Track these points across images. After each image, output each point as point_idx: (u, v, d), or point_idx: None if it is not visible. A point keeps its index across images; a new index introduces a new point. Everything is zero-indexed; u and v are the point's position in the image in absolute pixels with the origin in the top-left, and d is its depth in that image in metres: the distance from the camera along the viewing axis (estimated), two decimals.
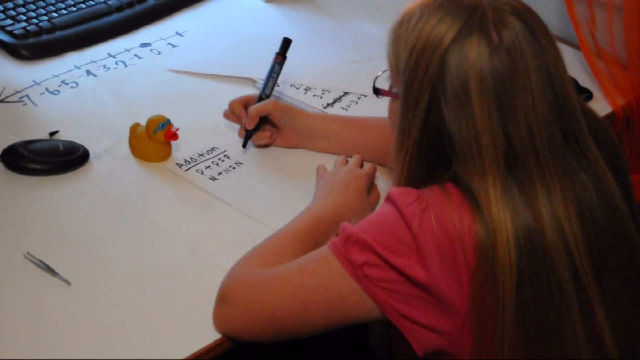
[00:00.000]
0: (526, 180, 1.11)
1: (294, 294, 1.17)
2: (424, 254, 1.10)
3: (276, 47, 1.67)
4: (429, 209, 1.11)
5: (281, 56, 1.66)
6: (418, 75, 1.12)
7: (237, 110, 1.59)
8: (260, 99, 1.61)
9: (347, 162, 1.49)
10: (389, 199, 1.15)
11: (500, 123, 1.10)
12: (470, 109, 1.10)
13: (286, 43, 1.66)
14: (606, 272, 1.14)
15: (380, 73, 1.28)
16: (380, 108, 1.42)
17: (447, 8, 1.12)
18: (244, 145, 1.59)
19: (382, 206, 1.17)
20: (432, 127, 1.13)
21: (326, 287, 1.16)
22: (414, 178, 1.17)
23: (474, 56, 1.10)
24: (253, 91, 1.76)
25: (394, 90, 1.22)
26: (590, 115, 1.23)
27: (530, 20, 1.13)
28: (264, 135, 1.58)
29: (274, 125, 1.59)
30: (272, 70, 1.64)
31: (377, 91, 1.30)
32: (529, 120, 1.10)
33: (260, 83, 1.77)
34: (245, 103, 1.59)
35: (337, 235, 1.19)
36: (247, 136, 1.59)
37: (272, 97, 1.63)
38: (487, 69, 1.09)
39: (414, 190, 1.14)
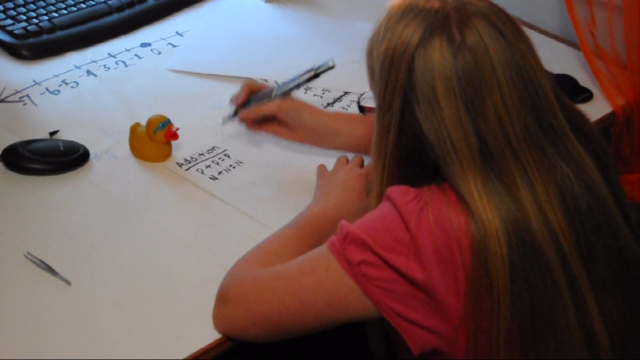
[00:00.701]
0: (505, 173, 1.11)
1: (293, 294, 1.17)
2: (421, 253, 1.10)
3: (276, 47, 1.65)
4: (427, 208, 1.11)
5: (315, 74, 1.54)
6: (389, 84, 1.13)
7: (241, 90, 1.55)
8: (268, 96, 1.54)
9: (347, 161, 1.49)
10: (387, 197, 1.15)
11: (470, 121, 1.10)
12: (439, 111, 1.11)
13: (328, 68, 1.53)
14: (594, 260, 1.14)
15: (365, 91, 1.28)
16: None
17: (411, 14, 1.13)
18: (223, 122, 1.57)
19: (380, 205, 1.17)
20: (408, 132, 1.14)
21: (324, 287, 1.16)
22: (395, 184, 1.16)
23: (437, 58, 1.10)
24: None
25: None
26: (570, 108, 1.22)
27: (495, 17, 1.13)
28: (270, 125, 1.53)
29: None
30: (297, 78, 1.53)
31: (361, 109, 1.29)
32: (500, 115, 1.11)
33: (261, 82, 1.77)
34: (255, 89, 1.56)
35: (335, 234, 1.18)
36: (233, 114, 1.56)
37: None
38: (451, 70, 1.10)
39: (413, 189, 1.14)
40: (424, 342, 1.14)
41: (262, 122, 1.54)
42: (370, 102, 1.27)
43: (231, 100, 1.57)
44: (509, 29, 1.13)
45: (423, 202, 1.12)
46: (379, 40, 1.15)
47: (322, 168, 1.49)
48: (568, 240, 1.12)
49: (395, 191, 1.14)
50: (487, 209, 1.10)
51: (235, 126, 1.61)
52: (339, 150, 1.53)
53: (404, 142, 1.15)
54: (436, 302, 1.11)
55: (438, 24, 1.11)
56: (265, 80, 1.77)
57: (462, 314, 1.11)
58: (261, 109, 1.52)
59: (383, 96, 1.15)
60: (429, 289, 1.11)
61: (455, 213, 1.10)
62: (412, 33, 1.12)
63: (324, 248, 1.18)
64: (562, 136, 1.15)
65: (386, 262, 1.12)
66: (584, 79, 1.81)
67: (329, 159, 1.54)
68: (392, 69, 1.13)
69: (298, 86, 1.53)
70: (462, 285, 1.10)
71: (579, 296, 1.13)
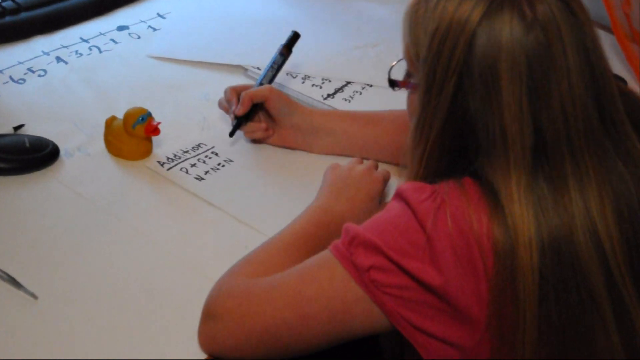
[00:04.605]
0: (557, 175, 1.10)
1: (291, 305, 1.16)
2: (438, 256, 1.09)
3: (270, 31, 1.69)
4: (444, 207, 1.10)
5: (287, 49, 1.65)
6: (442, 61, 1.11)
7: (228, 96, 1.58)
8: None
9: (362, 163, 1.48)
10: (399, 195, 1.14)
11: (530, 110, 1.09)
12: (498, 95, 1.09)
13: (294, 38, 1.65)
14: None
15: (394, 63, 1.28)
16: (389, 100, 1.44)
17: None
18: (232, 134, 1.58)
19: (391, 203, 1.16)
20: (456, 118, 1.12)
21: (328, 296, 1.15)
22: (431, 174, 1.16)
23: (506, 35, 1.09)
24: (244, 80, 1.80)
25: (412, 80, 1.21)
26: (630, 99, 1.22)
27: None
28: (259, 126, 1.58)
29: (271, 117, 1.58)
30: (273, 61, 1.63)
31: (393, 83, 1.28)
32: (564, 106, 1.09)
33: (252, 71, 1.79)
34: (241, 91, 1.59)
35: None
36: (237, 124, 1.58)
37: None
38: (521, 49, 1.09)
39: (427, 186, 1.13)
40: (440, 355, 1.13)
41: (254, 123, 1.58)
42: (400, 75, 1.25)
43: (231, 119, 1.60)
44: (577, 5, 1.12)
45: (440, 200, 1.11)
46: (430, 8, 1.13)
47: (335, 164, 1.47)
48: (617, 254, 1.11)
49: (409, 189, 1.13)
50: (525, 213, 1.08)
51: (226, 121, 1.62)
52: (330, 154, 1.56)
53: (450, 127, 1.13)
54: (455, 310, 1.10)
55: None
56: (258, 68, 1.78)
57: (485, 324, 1.10)
58: (251, 92, 1.56)
59: (433, 75, 1.13)
60: (447, 296, 1.10)
61: (477, 212, 1.09)
62: (474, 5, 1.10)
63: (326, 253, 1.17)
64: (622, 132, 1.15)
65: (400, 267, 1.11)
66: (617, 65, 1.82)
67: (329, 159, 1.54)
68: (446, 43, 1.11)
69: (278, 69, 1.62)
70: (485, 292, 1.09)
71: (625, 316, 1.12)
